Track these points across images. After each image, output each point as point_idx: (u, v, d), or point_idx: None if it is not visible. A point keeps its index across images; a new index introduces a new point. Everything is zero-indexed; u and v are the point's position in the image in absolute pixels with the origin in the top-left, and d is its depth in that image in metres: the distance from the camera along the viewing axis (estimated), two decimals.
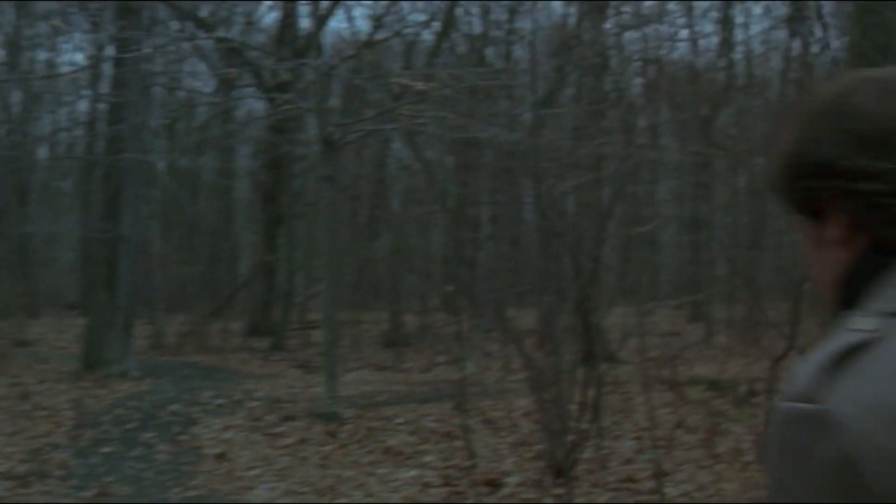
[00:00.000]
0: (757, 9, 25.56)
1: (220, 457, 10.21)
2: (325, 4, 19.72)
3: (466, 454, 9.51)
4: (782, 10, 21.92)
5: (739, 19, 26.88)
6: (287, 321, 26.06)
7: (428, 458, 9.92)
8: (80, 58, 40.99)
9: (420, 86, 11.39)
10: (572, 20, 23.59)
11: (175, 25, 24.75)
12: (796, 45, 21.50)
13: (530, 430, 10.00)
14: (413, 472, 9.32)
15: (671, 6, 24.63)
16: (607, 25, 20.84)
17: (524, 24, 24.80)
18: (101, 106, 38.93)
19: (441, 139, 14.37)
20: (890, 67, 1.05)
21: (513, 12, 25.54)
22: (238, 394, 15.48)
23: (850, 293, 1.01)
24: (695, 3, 25.32)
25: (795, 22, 20.40)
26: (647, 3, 23.71)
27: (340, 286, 12.91)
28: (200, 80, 36.07)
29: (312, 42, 17.17)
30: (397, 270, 25.30)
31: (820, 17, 17.65)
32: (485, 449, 9.99)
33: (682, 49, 26.61)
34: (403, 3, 21.45)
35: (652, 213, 17.53)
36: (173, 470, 9.69)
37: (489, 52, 27.83)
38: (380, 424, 11.82)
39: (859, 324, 0.93)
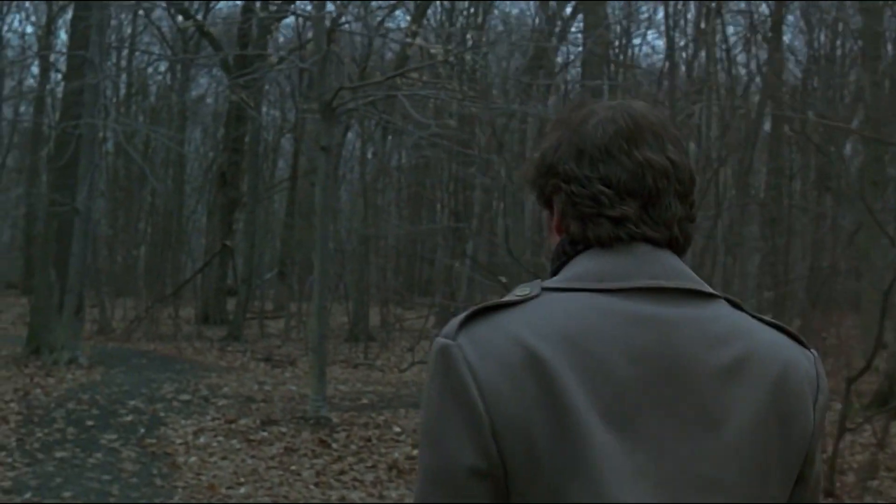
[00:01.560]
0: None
1: (198, 469, 8.54)
2: None
3: None
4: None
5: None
6: (244, 310, 24.23)
7: None
8: (30, 29, 38.59)
9: (435, 49, 9.82)
10: None
11: None
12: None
13: None
14: None
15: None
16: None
17: None
18: (53, 76, 36.65)
19: (450, 112, 12.78)
20: (633, 101, 1.33)
21: None
22: (202, 389, 13.74)
23: (553, 270, 1.30)
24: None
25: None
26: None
27: (329, 273, 11.23)
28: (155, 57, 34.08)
29: None
30: (363, 259, 23.58)
31: None
32: None
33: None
34: None
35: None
36: (144, 484, 8.00)
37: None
38: (375, 433, 10.23)
39: (518, 291, 1.23)
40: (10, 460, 8.51)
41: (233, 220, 30.48)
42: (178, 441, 9.70)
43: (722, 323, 1.22)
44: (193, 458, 8.94)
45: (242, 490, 7.87)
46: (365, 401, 12.79)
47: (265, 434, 10.08)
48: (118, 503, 7.41)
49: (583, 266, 1.24)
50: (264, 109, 33.27)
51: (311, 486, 8.06)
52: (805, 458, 1.25)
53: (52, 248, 17.81)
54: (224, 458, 8.99)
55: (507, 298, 1.22)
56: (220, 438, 9.95)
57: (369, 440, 9.94)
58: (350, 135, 36.26)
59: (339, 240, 27.93)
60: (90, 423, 10.42)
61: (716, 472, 1.16)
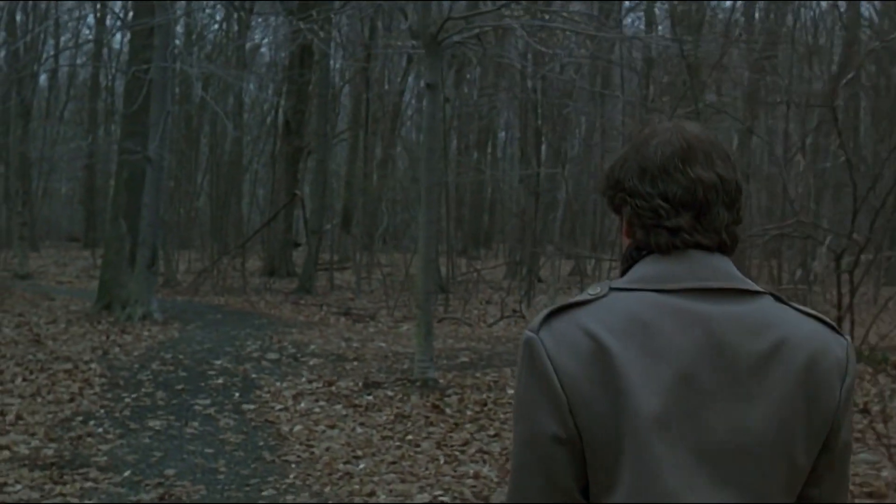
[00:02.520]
0: None
1: (306, 439, 7.58)
2: None
3: None
4: None
5: None
6: (314, 262, 23.30)
7: None
8: None
9: None
10: None
11: None
12: None
13: None
14: None
15: None
16: None
17: None
18: (111, 22, 35.78)
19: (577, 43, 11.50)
20: (687, 122, 1.54)
21: None
22: (288, 346, 12.82)
23: (622, 271, 1.51)
24: None
25: None
26: None
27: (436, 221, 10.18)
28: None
29: None
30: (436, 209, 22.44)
31: None
32: None
33: None
34: None
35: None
36: (252, 458, 7.06)
37: None
38: (490, 397, 9.20)
39: (590, 290, 1.45)
40: (100, 430, 7.62)
41: (297, 170, 29.55)
42: (278, 407, 8.76)
43: (763, 315, 1.43)
44: (299, 427, 7.99)
45: (362, 465, 6.89)
46: (464, 359, 11.76)
47: (370, 398, 9.10)
48: (230, 482, 6.47)
49: (644, 270, 1.46)
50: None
51: (439, 461, 7.06)
52: (830, 430, 1.44)
53: (123, 198, 16.96)
54: (332, 427, 8.01)
55: (581, 297, 1.45)
56: (323, 403, 8.98)
57: (485, 404, 8.91)
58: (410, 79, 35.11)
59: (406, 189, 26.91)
60: (179, 386, 9.51)
61: (750, 442, 1.38)
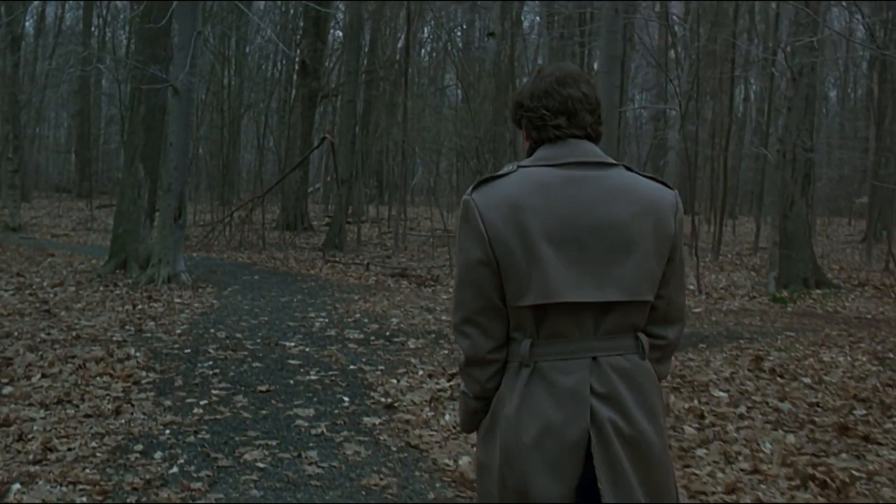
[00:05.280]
0: None
1: (456, 468, 4.84)
2: None
3: None
4: None
5: None
6: (345, 214, 20.39)
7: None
8: None
9: None
10: None
11: None
12: None
13: None
14: None
15: None
16: None
17: None
18: None
19: None
20: (565, 63, 2.38)
21: None
22: (365, 319, 10.03)
23: (528, 156, 2.25)
24: None
25: None
26: None
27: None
28: None
29: None
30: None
31: None
32: None
33: None
34: None
35: None
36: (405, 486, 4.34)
37: None
38: (695, 396, 6.47)
39: (506, 168, 2.17)
40: (174, 471, 4.79)
41: (314, 115, 26.51)
42: (413, 420, 5.95)
43: (619, 175, 2.18)
44: (465, 459, 5.20)
45: None
46: None
47: None
48: None
49: (540, 154, 2.21)
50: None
51: None
52: (671, 248, 2.20)
53: (139, 138, 13.96)
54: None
55: (499, 172, 2.19)
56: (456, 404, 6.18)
57: (701, 416, 6.18)
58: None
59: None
60: (262, 385, 6.67)
61: (620, 243, 2.12)
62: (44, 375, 6.63)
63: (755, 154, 27.02)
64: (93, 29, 36.89)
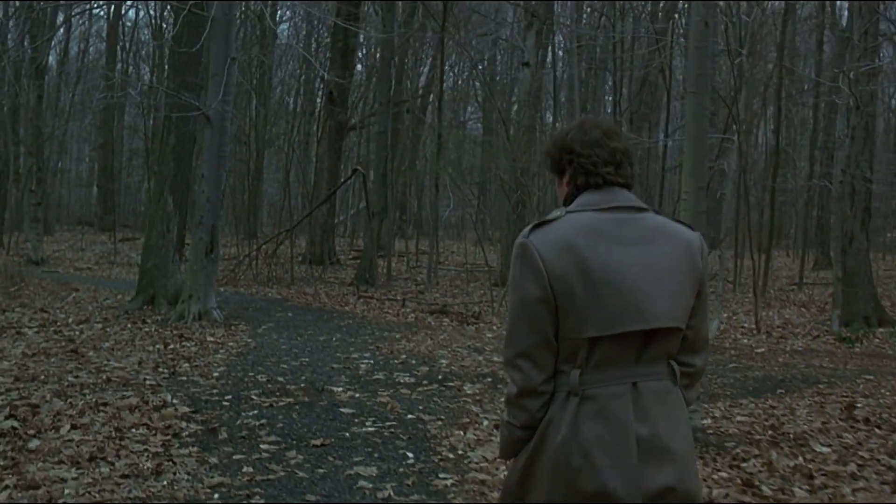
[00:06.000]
0: None
1: None
2: None
3: None
4: None
5: None
6: (376, 247, 19.73)
7: None
8: None
9: None
10: None
11: None
12: None
13: None
14: None
15: None
16: None
17: None
18: None
19: None
20: (599, 118, 2.61)
21: None
22: (412, 361, 9.34)
23: (565, 203, 2.43)
24: None
25: None
26: None
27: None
28: None
29: None
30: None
31: None
32: None
33: None
34: None
35: None
36: None
37: None
38: (787, 453, 5.74)
39: (554, 214, 2.34)
40: None
41: (341, 147, 26.00)
42: (482, 476, 5.25)
43: (655, 220, 2.36)
44: None
45: None
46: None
47: None
48: None
49: (585, 199, 2.37)
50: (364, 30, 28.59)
51: None
52: (700, 282, 2.37)
53: (169, 169, 13.39)
54: None
55: (549, 217, 2.35)
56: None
57: (769, 464, 5.45)
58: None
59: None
60: (315, 438, 5.96)
61: (661, 277, 2.29)
62: (74, 426, 5.96)
63: (784, 187, 26.30)
64: (117, 63, 36.63)
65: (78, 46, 41.03)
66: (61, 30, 33.48)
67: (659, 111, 24.87)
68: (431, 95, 33.67)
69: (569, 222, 2.28)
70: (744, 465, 5.59)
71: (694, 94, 6.02)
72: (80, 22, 37.56)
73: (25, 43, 24.91)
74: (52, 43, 32.74)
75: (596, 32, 21.23)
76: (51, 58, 35.76)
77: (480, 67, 32.26)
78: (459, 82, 41.38)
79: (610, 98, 27.16)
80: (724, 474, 5.42)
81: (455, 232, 38.48)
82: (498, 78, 34.94)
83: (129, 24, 38.68)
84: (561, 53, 27.78)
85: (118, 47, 37.26)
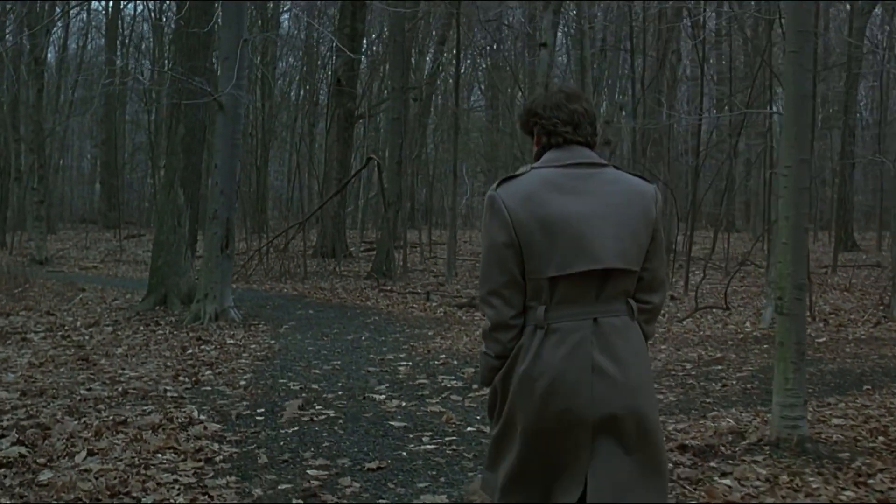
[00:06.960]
0: None
1: None
2: None
3: None
4: None
5: None
6: (393, 239, 18.89)
7: None
8: None
9: None
10: None
11: None
12: None
13: None
14: None
15: None
16: None
17: None
18: None
19: None
20: (566, 86, 2.93)
21: None
22: (451, 361, 8.55)
23: (536, 159, 2.70)
24: None
25: None
26: None
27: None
28: None
29: None
30: None
31: None
32: None
33: None
34: None
35: None
36: None
37: None
38: None
39: (522, 169, 2.63)
40: None
41: (351, 135, 25.15)
42: None
43: (612, 174, 2.61)
44: None
45: None
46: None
47: (724, 483, 4.79)
48: None
49: (549, 156, 2.64)
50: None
51: None
52: (654, 229, 2.61)
53: (178, 161, 12.56)
54: None
55: (516, 172, 2.62)
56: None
57: None
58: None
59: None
60: (370, 461, 5.16)
61: (615, 219, 2.55)
62: (90, 452, 5.15)
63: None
64: (117, 58, 35.72)
65: (77, 42, 40.13)
66: (59, 24, 32.61)
67: (675, 92, 24.07)
68: (438, 81, 32.83)
69: (532, 177, 2.58)
70: (871, 481, 4.79)
71: (794, 54, 5.19)
72: (78, 13, 36.62)
73: (24, 39, 24.06)
74: (51, 39, 31.90)
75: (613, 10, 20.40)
76: (49, 54, 34.92)
77: (489, 49, 31.43)
78: (463, 69, 40.51)
79: (624, 81, 26.33)
80: (850, 493, 4.61)
81: (464, 221, 37.68)
82: (501, 64, 34.10)
83: (128, 18, 37.76)
84: (573, 32, 26.96)
85: (117, 42, 36.36)
